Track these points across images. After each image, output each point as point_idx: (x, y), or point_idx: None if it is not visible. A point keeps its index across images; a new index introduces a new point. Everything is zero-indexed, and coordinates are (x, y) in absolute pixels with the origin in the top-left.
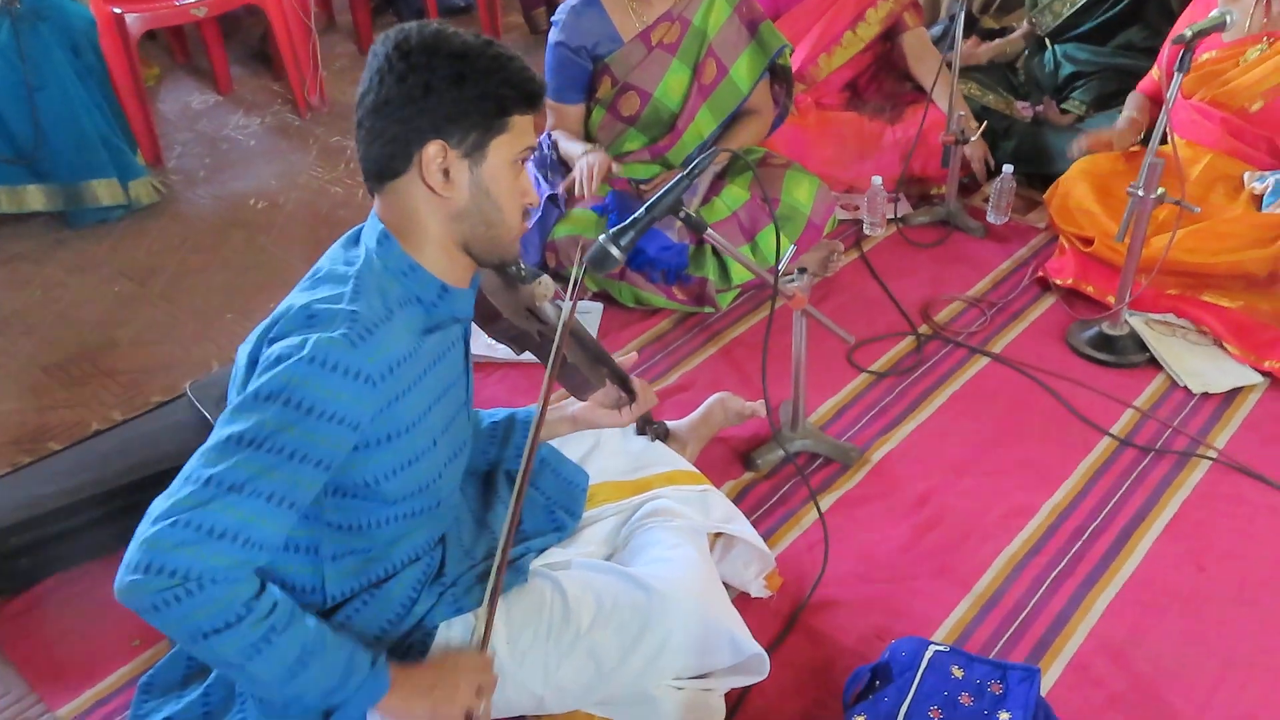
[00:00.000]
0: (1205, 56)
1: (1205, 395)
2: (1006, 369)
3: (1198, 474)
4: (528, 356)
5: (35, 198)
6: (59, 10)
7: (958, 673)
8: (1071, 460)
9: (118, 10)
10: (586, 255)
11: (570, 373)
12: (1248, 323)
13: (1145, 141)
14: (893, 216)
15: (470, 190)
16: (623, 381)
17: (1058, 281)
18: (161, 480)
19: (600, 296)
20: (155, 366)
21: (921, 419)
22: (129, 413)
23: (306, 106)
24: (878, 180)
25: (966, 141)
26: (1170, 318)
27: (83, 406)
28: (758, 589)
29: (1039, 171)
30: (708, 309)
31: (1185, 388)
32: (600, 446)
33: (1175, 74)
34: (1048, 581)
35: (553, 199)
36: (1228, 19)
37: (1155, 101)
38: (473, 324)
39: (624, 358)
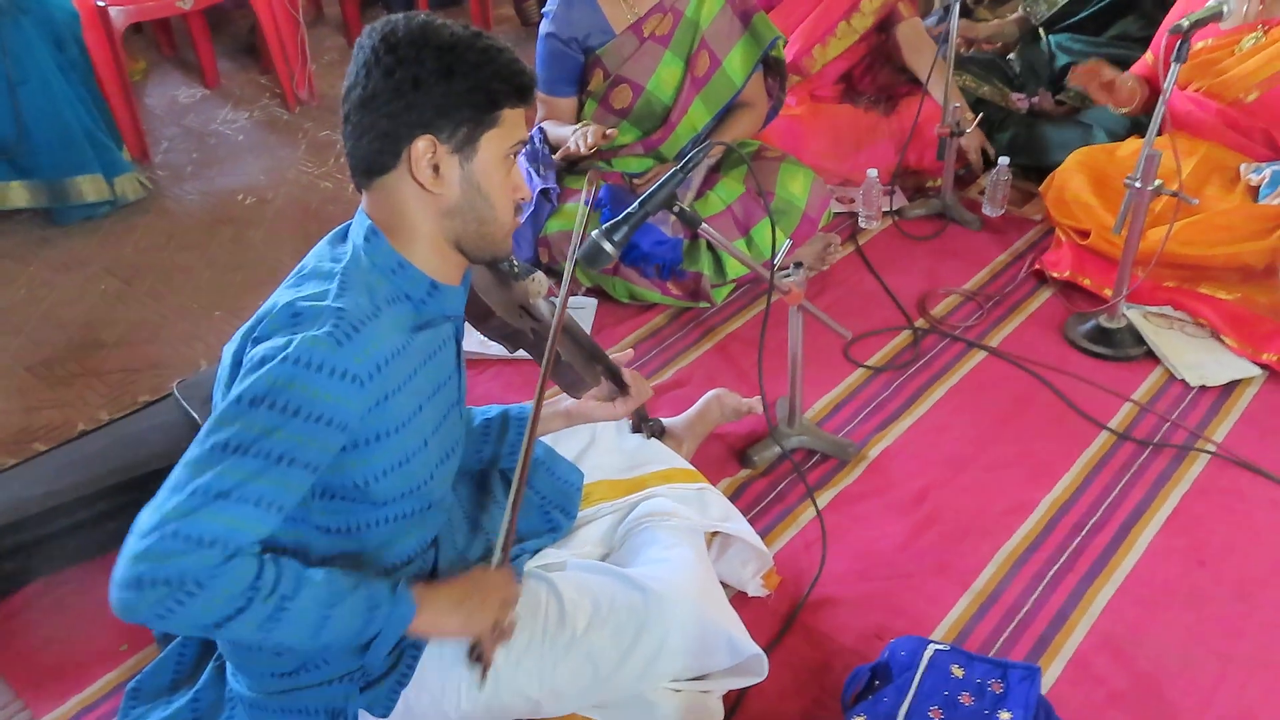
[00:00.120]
0: (1200, 45)
1: (1203, 388)
2: (1004, 363)
3: (1196, 468)
4: (522, 354)
5: (19, 194)
6: (41, 3)
7: (958, 672)
8: (1070, 455)
9: (101, 3)
10: (580, 251)
11: (564, 370)
12: (1245, 315)
13: (1142, 133)
14: (888, 209)
15: (461, 186)
16: (616, 378)
17: (1054, 274)
18: (149, 482)
19: (594, 292)
20: (142, 366)
21: (919, 414)
22: (116, 413)
23: (295, 100)
24: (873, 173)
25: (962, 133)
26: (1168, 310)
27: (69, 407)
28: (755, 588)
29: (1035, 163)
30: (703, 304)
31: (1183, 381)
32: (595, 444)
33: (1172, 64)
34: (1047, 578)
35: (545, 194)
36: (1225, 8)
37: (1150, 85)
38: (465, 322)
39: (620, 355)
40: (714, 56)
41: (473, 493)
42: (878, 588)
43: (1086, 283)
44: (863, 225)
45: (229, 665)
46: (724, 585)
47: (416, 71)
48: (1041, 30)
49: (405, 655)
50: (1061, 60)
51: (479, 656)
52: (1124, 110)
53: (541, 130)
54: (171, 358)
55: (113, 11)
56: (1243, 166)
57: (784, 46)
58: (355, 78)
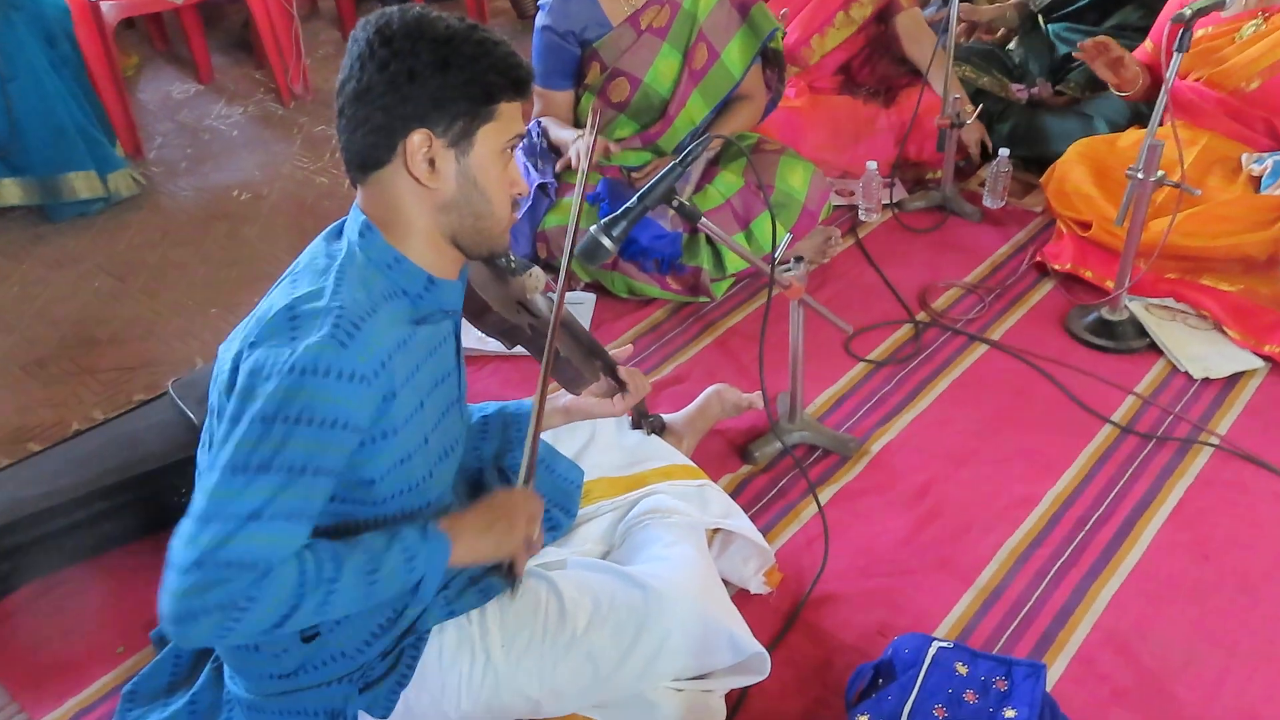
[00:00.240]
0: (1200, 33)
1: (1206, 381)
2: (1006, 356)
3: (1200, 461)
4: (519, 350)
5: (11, 192)
6: None
7: (962, 669)
8: (1073, 449)
9: None
10: (578, 246)
11: (563, 366)
12: (1248, 306)
13: (1142, 123)
14: (888, 202)
15: (457, 181)
16: (614, 374)
17: (1056, 266)
18: (145, 481)
19: (592, 287)
20: (137, 364)
21: (920, 408)
22: (111, 412)
23: (290, 95)
24: (873, 165)
25: (962, 125)
26: (1170, 302)
27: (63, 406)
28: (757, 585)
29: (1035, 155)
30: (702, 299)
31: (1186, 373)
32: (595, 441)
33: (1174, 54)
34: (1051, 574)
35: (543, 188)
36: None
37: (1150, 72)
38: (463, 318)
39: (619, 350)
40: (712, 49)
41: (470, 493)
42: (880, 584)
43: (1088, 275)
44: (862, 218)
45: (227, 667)
46: (725, 583)
47: (412, 64)
48: (1041, 19)
49: (405, 655)
50: (1061, 50)
51: (510, 570)
52: (1124, 94)
53: (539, 124)
54: (166, 355)
55: (104, 6)
56: (1244, 157)
57: (783, 38)
58: (349, 71)
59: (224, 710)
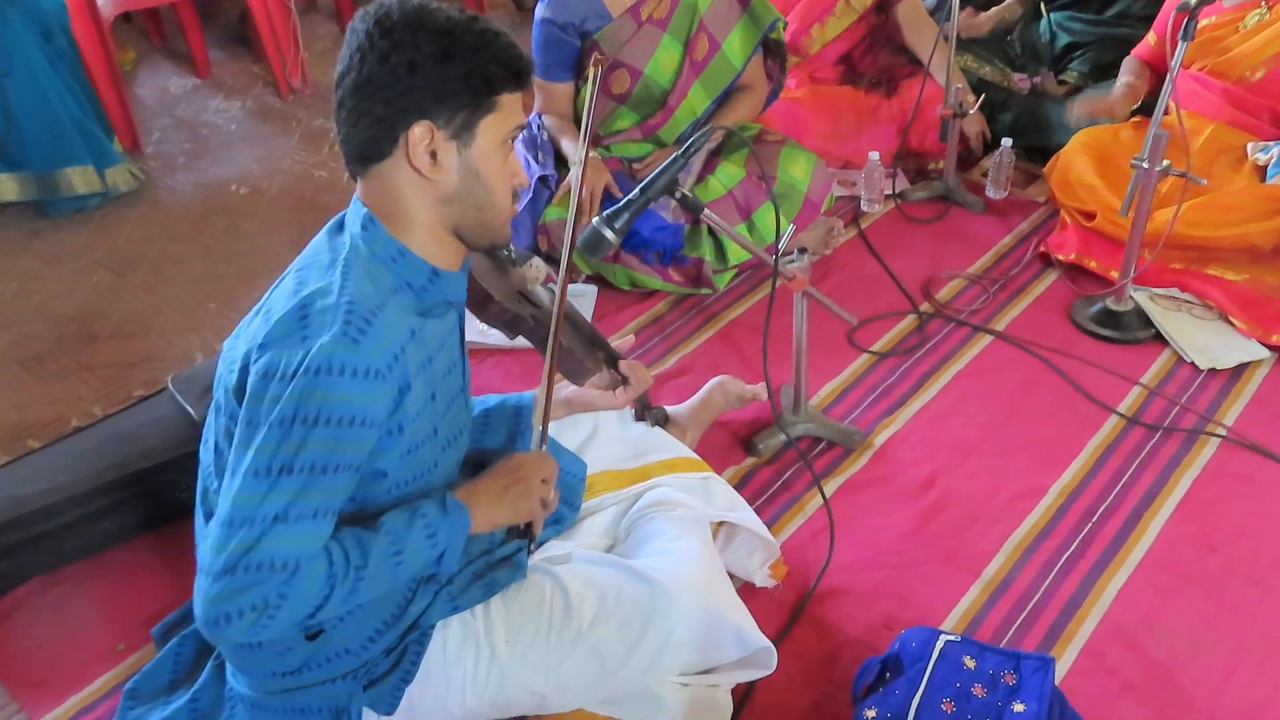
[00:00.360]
0: (1205, 22)
1: (1213, 371)
2: (1010, 347)
3: (1207, 452)
4: (521, 341)
5: (8, 187)
6: None
7: (970, 663)
8: (1079, 440)
9: None
10: (580, 239)
11: (566, 357)
12: (1254, 296)
13: (1146, 112)
14: (890, 192)
15: (459, 173)
16: (616, 366)
17: (1060, 257)
18: (145, 478)
19: (594, 279)
20: (136, 359)
21: (925, 400)
22: (110, 408)
23: (288, 89)
24: (875, 155)
25: (965, 115)
26: (1175, 292)
27: (62, 402)
28: (762, 579)
29: (1038, 144)
30: (705, 290)
31: (1192, 364)
32: (598, 434)
33: (1179, 43)
34: (1058, 566)
35: (543, 180)
36: None
37: (1152, 68)
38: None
39: (621, 342)
40: (713, 39)
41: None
42: (886, 577)
43: (1092, 265)
44: (865, 209)
45: (229, 665)
46: (730, 576)
47: (413, 56)
48: (1044, 7)
49: (409, 651)
50: (1063, 40)
51: (526, 529)
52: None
53: (539, 117)
54: (165, 351)
55: (100, 0)
56: (1250, 146)
57: (784, 29)
58: (349, 63)
59: (226, 708)
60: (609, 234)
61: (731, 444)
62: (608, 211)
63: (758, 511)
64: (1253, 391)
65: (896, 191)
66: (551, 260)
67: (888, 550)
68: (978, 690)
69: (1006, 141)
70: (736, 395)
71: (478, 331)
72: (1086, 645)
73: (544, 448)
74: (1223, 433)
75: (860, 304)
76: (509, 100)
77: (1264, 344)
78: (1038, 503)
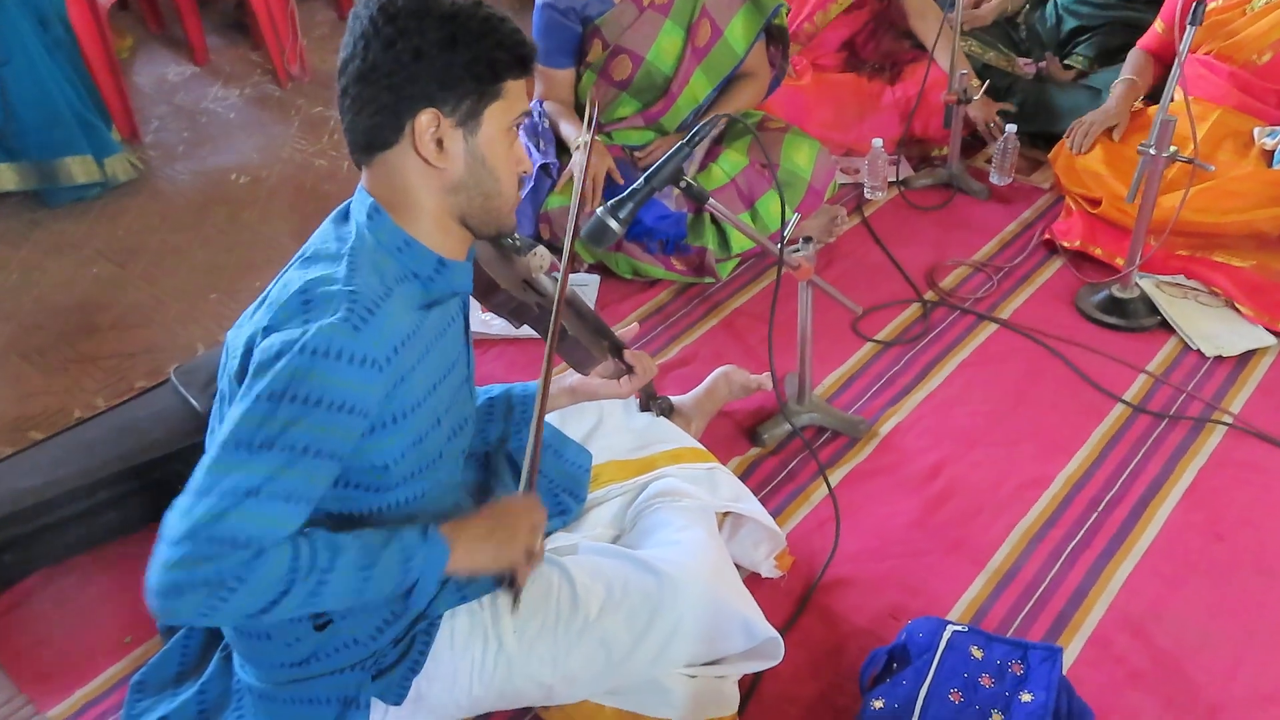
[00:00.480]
0: (1212, 5)
1: (1219, 359)
2: (1015, 335)
3: (1213, 440)
4: (526, 331)
5: (8, 177)
6: None
7: (977, 653)
8: (1084, 429)
9: None
10: (584, 229)
11: (572, 346)
12: (1261, 283)
13: (1154, 99)
14: (894, 179)
15: (465, 160)
16: (621, 355)
17: (1065, 244)
18: (149, 470)
19: (596, 268)
20: (138, 350)
21: (930, 389)
22: (112, 399)
23: (287, 76)
24: (878, 142)
25: (969, 100)
26: (1181, 279)
27: (64, 394)
28: (768, 569)
29: (1043, 130)
30: (707, 279)
31: (1198, 351)
32: (603, 424)
33: (1188, 27)
34: (1064, 555)
35: (545, 168)
36: None
37: (1157, 58)
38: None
39: (625, 330)
40: (715, 26)
41: (478, 476)
42: (892, 567)
43: (1098, 252)
44: (868, 196)
45: (236, 656)
46: (737, 567)
47: (418, 43)
48: None
49: (417, 642)
50: (1069, 24)
51: (511, 583)
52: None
53: (540, 103)
54: (167, 341)
55: None
56: (1256, 131)
57: (787, 14)
58: (352, 49)
59: (234, 699)
60: (614, 224)
61: (736, 434)
62: (612, 201)
63: (763, 501)
64: (1259, 378)
65: (900, 179)
66: (554, 249)
67: (893, 540)
68: (985, 680)
69: (1011, 127)
70: (741, 385)
71: (480, 321)
72: (1093, 634)
73: (534, 490)
74: (1229, 420)
75: (864, 292)
76: (514, 87)
77: (1270, 330)
78: (1044, 492)
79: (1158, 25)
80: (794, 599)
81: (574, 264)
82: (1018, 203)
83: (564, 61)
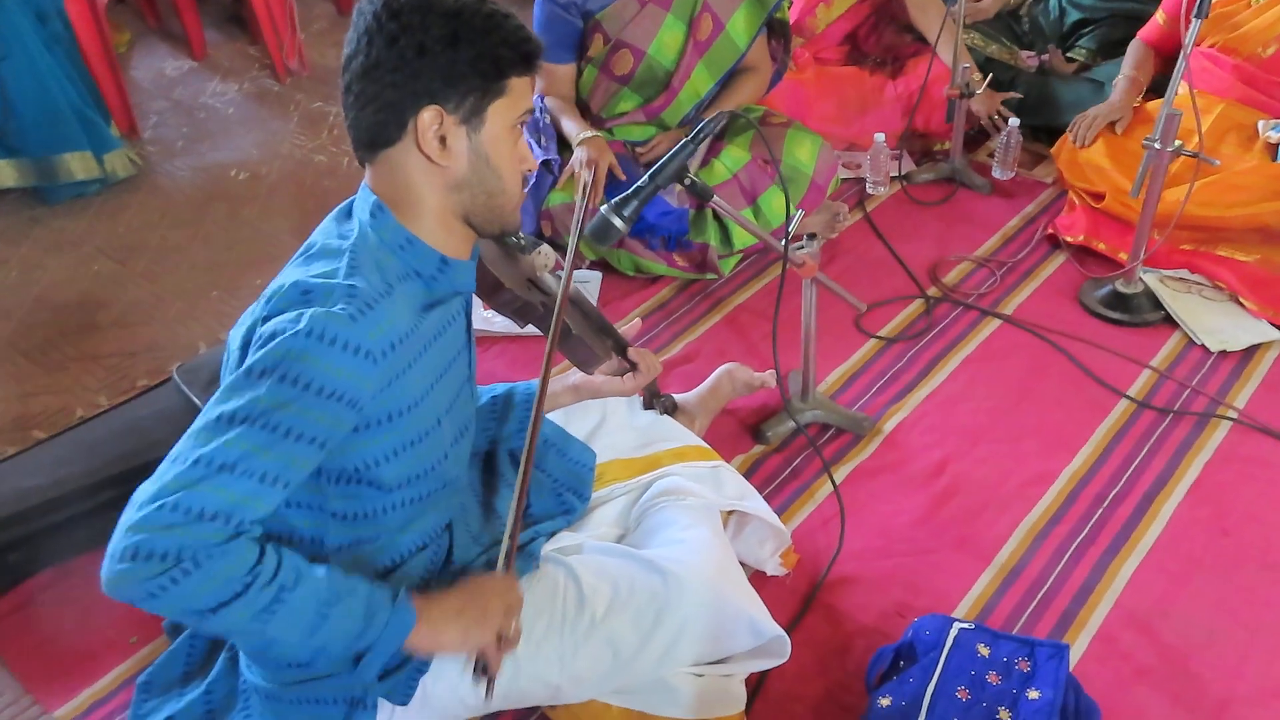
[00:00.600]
0: None
1: (1223, 353)
2: (1019, 331)
3: (1218, 435)
4: (530, 329)
5: (7, 174)
6: None
7: (984, 651)
8: (1089, 424)
9: None
10: (588, 227)
11: (575, 345)
12: (1265, 277)
13: (1156, 92)
14: (896, 174)
15: (469, 158)
16: (624, 353)
17: (1068, 239)
18: (152, 469)
19: (598, 265)
20: (139, 348)
21: (933, 385)
22: (114, 398)
23: (285, 71)
24: (880, 137)
25: (972, 95)
26: (1185, 274)
27: (66, 392)
28: (774, 567)
29: (1046, 124)
30: (710, 276)
31: (1203, 346)
32: (607, 422)
33: (1194, 20)
34: (1070, 551)
35: (546, 165)
36: None
37: (1157, 51)
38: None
39: (628, 327)
40: (717, 19)
41: (483, 475)
42: (898, 564)
43: (1101, 247)
44: (870, 191)
45: (242, 656)
46: (742, 565)
47: (422, 39)
48: None
49: None
50: (1071, 16)
51: (484, 669)
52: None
53: (541, 99)
54: (169, 339)
55: None
56: (1260, 124)
57: (789, 8)
58: (356, 46)
59: (240, 699)
60: (618, 222)
61: (740, 432)
62: (616, 200)
63: (767, 499)
64: (1264, 373)
65: (902, 173)
66: (556, 246)
67: (898, 537)
68: (992, 678)
69: (1014, 121)
70: (745, 382)
71: (482, 319)
72: (1100, 631)
73: (511, 572)
74: (1234, 415)
75: (866, 288)
76: (518, 84)
77: (1275, 325)
78: (1048, 488)
79: (1159, 17)
80: (799, 597)
81: (576, 261)
82: (1020, 197)
83: (565, 56)
